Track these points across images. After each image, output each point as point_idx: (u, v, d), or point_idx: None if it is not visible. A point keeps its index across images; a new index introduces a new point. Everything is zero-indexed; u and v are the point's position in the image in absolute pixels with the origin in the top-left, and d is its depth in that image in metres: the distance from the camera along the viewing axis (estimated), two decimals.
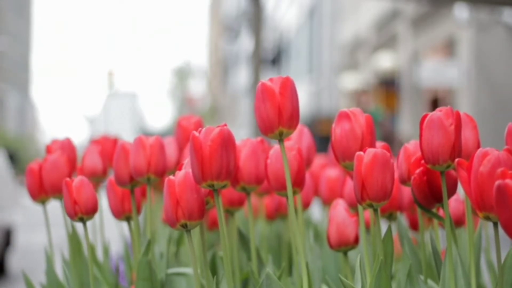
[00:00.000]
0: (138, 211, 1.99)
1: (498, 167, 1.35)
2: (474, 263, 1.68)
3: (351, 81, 22.79)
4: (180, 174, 1.58)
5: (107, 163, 2.31)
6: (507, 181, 1.21)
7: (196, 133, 1.55)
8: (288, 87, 1.61)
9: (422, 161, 1.66)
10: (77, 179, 1.81)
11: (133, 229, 1.98)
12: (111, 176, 2.01)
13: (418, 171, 1.67)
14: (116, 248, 3.68)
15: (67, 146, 2.21)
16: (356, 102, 8.00)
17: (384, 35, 19.65)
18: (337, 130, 1.66)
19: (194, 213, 1.57)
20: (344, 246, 1.82)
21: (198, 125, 2.35)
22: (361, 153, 1.54)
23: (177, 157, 2.37)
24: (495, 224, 1.41)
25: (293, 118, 1.62)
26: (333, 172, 2.47)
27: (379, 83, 19.53)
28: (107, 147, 2.44)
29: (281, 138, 1.63)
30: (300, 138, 2.14)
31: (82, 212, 1.80)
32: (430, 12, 15.83)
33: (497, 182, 1.22)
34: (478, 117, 12.79)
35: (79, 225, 1.98)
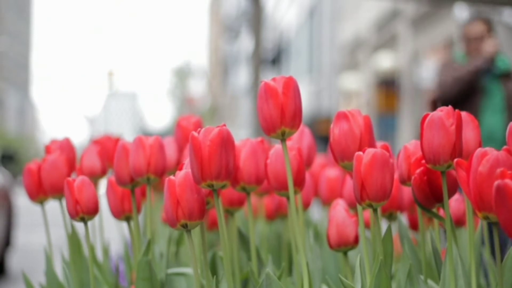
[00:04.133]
0: (138, 211, 1.99)
1: (497, 167, 1.35)
2: (474, 263, 1.68)
3: (351, 81, 22.78)
4: (180, 174, 1.58)
5: (106, 163, 2.30)
6: (507, 181, 1.21)
7: (195, 134, 1.55)
8: (291, 87, 1.61)
9: (423, 161, 1.66)
10: (79, 179, 1.81)
11: (133, 229, 1.98)
12: (110, 176, 2.01)
13: (418, 171, 1.66)
14: (116, 248, 3.68)
15: (66, 146, 2.21)
16: (465, 41, 5.26)
17: (384, 35, 19.64)
18: (336, 131, 1.66)
19: (195, 213, 1.57)
20: (344, 246, 1.82)
21: (198, 125, 2.34)
22: (361, 153, 1.53)
23: (177, 157, 2.36)
24: (494, 224, 1.41)
25: (296, 118, 1.62)
26: (333, 172, 2.47)
27: (379, 83, 19.53)
28: (107, 147, 2.44)
29: (283, 138, 1.63)
30: (300, 138, 2.14)
31: (83, 211, 1.80)
32: (430, 12, 15.82)
33: (496, 182, 1.22)
34: None
35: (78, 225, 1.98)
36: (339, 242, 1.82)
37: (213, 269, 2.16)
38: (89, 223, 1.85)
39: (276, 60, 34.35)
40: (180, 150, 2.37)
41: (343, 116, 1.66)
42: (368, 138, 1.66)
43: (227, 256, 1.64)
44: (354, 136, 1.65)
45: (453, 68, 5.33)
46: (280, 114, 1.60)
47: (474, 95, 5.27)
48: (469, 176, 1.39)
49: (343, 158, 1.66)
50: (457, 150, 1.55)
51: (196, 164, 1.54)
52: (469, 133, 1.71)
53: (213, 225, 2.59)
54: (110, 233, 2.85)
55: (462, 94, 5.26)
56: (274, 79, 1.62)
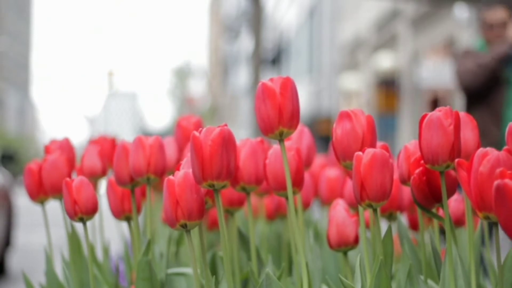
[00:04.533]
0: (138, 211, 1.99)
1: (498, 167, 1.35)
2: (474, 263, 1.68)
3: (351, 81, 22.79)
4: (179, 174, 1.58)
5: (106, 163, 2.31)
6: (506, 181, 1.21)
7: (197, 133, 1.55)
8: (289, 87, 1.61)
9: (422, 161, 1.66)
10: (77, 179, 1.81)
11: (133, 229, 1.98)
12: (110, 176, 2.01)
13: (417, 171, 1.66)
14: (116, 248, 3.68)
15: (66, 146, 2.21)
16: (485, 28, 5.03)
17: (384, 35, 19.64)
18: (338, 130, 1.66)
19: (194, 213, 1.57)
20: (344, 246, 1.82)
21: (198, 125, 2.35)
22: (360, 153, 1.53)
23: (177, 157, 2.37)
24: (495, 224, 1.41)
25: (294, 118, 1.62)
26: (333, 172, 2.47)
27: (379, 83, 19.53)
28: (106, 147, 2.44)
29: (281, 138, 1.63)
30: (300, 138, 2.14)
31: (82, 212, 1.80)
32: (430, 12, 15.82)
33: (496, 182, 1.22)
34: None
35: (79, 225, 1.98)
36: (339, 242, 1.82)
37: (213, 269, 2.16)
38: (89, 223, 1.85)
39: (276, 60, 34.36)
40: (180, 150, 2.37)
41: (346, 115, 1.66)
42: (370, 138, 1.65)
43: (227, 256, 1.64)
44: (357, 136, 1.65)
45: (475, 55, 4.92)
46: (277, 114, 1.60)
47: (498, 87, 4.92)
48: (470, 176, 1.39)
49: (345, 158, 1.66)
50: (456, 150, 1.55)
51: (197, 164, 1.54)
52: (468, 133, 1.71)
53: (213, 225, 2.59)
54: (110, 233, 2.85)
55: (486, 83, 4.88)
56: (271, 80, 1.62)
